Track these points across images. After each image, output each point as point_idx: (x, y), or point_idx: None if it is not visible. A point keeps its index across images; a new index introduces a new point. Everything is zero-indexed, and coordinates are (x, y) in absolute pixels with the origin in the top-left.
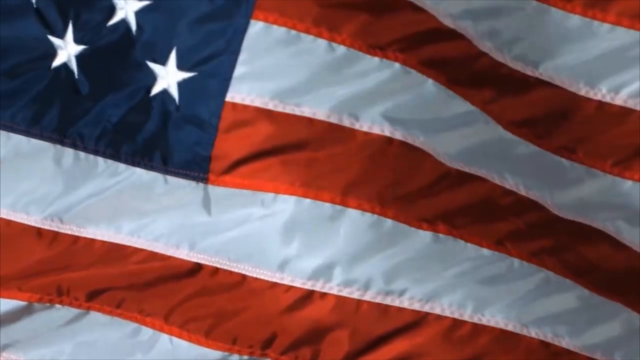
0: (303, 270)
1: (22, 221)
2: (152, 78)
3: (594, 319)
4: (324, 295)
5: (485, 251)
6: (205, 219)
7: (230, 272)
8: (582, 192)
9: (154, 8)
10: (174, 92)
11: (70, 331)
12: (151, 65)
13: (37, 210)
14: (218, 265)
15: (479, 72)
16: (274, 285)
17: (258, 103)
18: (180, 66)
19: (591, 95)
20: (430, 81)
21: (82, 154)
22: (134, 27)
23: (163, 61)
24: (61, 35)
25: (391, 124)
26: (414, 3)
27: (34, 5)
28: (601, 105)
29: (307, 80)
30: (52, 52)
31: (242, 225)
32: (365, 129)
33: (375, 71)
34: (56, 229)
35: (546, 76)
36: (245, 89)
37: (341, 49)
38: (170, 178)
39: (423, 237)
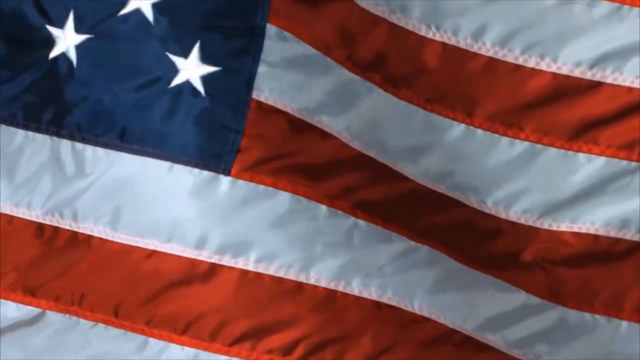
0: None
1: (24, 216)
2: (174, 70)
3: None
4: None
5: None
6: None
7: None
8: None
9: (173, 1)
10: (199, 86)
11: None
12: (172, 57)
13: (38, 205)
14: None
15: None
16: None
17: (279, 105)
18: (204, 60)
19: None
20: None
21: (79, 145)
22: (151, 18)
23: (185, 54)
24: (61, 25)
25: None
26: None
27: None
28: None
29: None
30: (51, 42)
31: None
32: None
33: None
34: (56, 224)
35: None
36: (268, 89)
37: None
38: (189, 168)
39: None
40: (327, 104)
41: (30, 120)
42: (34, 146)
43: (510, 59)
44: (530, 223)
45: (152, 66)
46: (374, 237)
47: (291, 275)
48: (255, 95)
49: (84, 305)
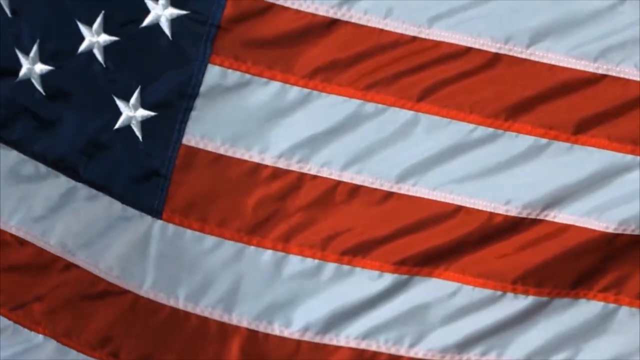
0: None
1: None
2: (118, 112)
3: None
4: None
5: None
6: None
7: None
8: None
9: (121, 44)
10: (137, 131)
11: None
12: (117, 101)
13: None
14: None
15: None
16: None
17: (210, 147)
18: (144, 105)
19: None
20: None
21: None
22: (101, 59)
23: (128, 97)
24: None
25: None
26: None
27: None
28: None
29: (259, 123)
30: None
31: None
32: (313, 172)
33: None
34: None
35: None
36: (199, 133)
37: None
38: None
39: None
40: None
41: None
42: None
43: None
44: (532, 217)
45: (102, 106)
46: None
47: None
48: (185, 140)
49: None
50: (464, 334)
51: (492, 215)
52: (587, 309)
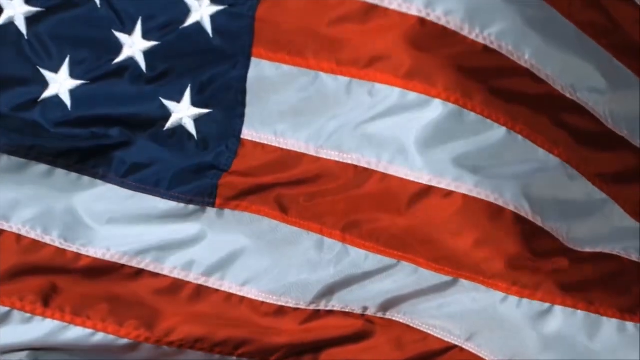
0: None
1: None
2: (167, 112)
3: None
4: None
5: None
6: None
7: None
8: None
9: (165, 47)
10: (191, 128)
11: None
12: (165, 101)
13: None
14: None
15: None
16: None
17: (266, 141)
18: (195, 103)
19: None
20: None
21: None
22: (143, 64)
23: (178, 98)
24: (55, 70)
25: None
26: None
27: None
28: None
29: (313, 114)
30: (45, 84)
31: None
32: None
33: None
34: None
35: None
36: (256, 126)
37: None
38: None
39: None
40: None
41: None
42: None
43: None
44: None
45: (146, 107)
46: None
47: None
48: (243, 135)
49: None
50: None
51: None
52: None
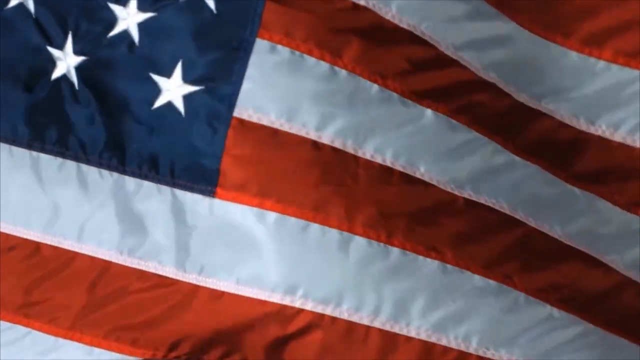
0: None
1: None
2: (157, 90)
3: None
4: (334, 319)
5: (492, 283)
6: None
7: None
8: (591, 222)
9: (157, 20)
10: (180, 106)
11: None
12: (155, 77)
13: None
14: None
15: (482, 102)
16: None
17: (265, 121)
18: (186, 79)
19: (592, 130)
20: (429, 111)
21: (84, 167)
22: (136, 39)
23: (168, 74)
24: (60, 46)
25: (392, 155)
26: (413, 33)
27: (33, 16)
28: (601, 140)
29: (313, 102)
30: (52, 63)
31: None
32: (367, 156)
33: (375, 99)
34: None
35: (547, 109)
36: (252, 106)
37: (343, 73)
38: (176, 190)
39: (431, 265)
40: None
41: (35, 140)
42: (37, 166)
43: None
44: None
45: (136, 88)
46: None
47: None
48: (237, 113)
49: None
50: None
51: None
52: None
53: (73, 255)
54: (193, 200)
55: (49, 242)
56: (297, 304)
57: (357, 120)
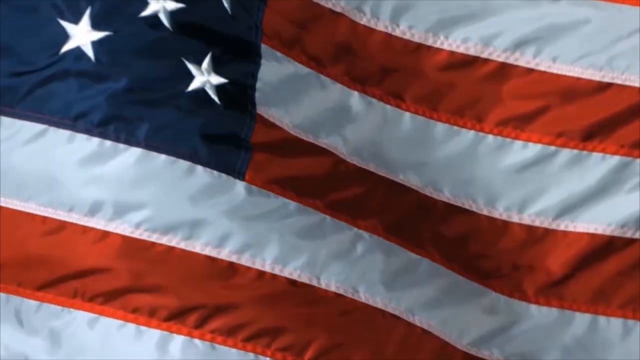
0: None
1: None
2: (190, 77)
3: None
4: None
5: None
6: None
7: None
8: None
9: (188, 12)
10: (213, 95)
11: None
12: (188, 64)
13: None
14: None
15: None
16: None
17: (277, 122)
18: (217, 71)
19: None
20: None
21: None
22: (167, 24)
23: (199, 62)
24: (76, 21)
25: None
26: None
27: None
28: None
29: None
30: (64, 37)
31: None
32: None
33: None
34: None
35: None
36: (266, 105)
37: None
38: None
39: None
40: (322, 122)
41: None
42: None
43: (522, 63)
44: (545, 225)
45: (167, 70)
46: (377, 248)
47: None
48: (258, 109)
49: None
50: None
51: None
52: None
53: None
54: None
55: None
56: None
57: None
